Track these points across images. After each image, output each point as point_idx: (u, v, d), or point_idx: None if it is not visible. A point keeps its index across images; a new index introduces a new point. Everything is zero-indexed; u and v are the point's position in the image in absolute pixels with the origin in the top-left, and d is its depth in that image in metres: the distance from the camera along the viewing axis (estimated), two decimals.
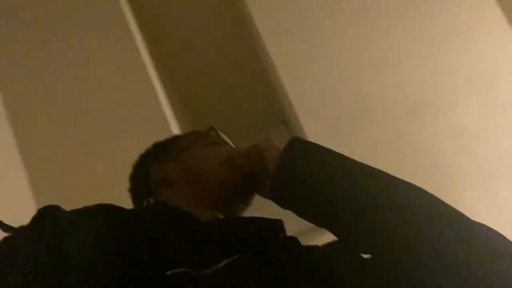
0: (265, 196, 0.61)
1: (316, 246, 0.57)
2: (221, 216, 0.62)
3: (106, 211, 0.52)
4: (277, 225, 0.57)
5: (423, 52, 1.85)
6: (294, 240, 0.58)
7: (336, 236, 0.53)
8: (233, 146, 0.73)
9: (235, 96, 2.86)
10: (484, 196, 1.70)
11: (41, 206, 0.48)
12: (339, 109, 1.81)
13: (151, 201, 0.59)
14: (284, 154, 0.55)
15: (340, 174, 0.52)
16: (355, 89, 1.83)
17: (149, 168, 0.67)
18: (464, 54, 1.83)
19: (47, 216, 0.47)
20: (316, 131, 1.74)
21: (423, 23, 1.88)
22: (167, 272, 0.43)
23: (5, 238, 0.45)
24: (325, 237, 0.55)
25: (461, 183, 1.71)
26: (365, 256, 0.51)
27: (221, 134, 0.72)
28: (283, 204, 0.56)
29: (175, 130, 1.66)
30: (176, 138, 0.74)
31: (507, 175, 1.72)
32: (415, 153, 1.73)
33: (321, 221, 0.53)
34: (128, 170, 0.71)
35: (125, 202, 0.63)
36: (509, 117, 1.76)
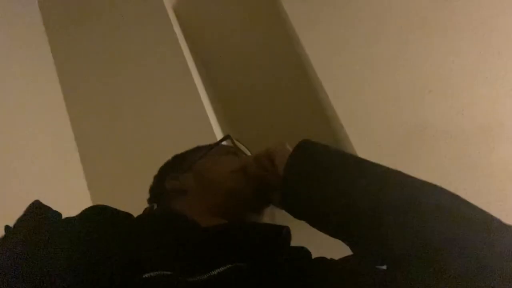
0: (278, 205, 0.58)
1: (328, 259, 0.53)
2: None
3: (95, 212, 0.51)
4: (281, 232, 0.53)
5: (492, 69, 1.70)
6: (301, 250, 0.54)
7: (350, 246, 0.49)
8: (249, 153, 0.71)
9: (285, 120, 2.82)
10: None
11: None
12: (398, 136, 1.69)
13: (154, 206, 0.58)
14: (291, 159, 0.52)
15: (350, 177, 0.48)
16: (415, 112, 1.70)
17: (165, 179, 0.67)
18: None
19: (28, 220, 0.46)
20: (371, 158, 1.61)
21: (491, 39, 1.74)
22: (144, 275, 0.41)
23: None
24: None
25: None
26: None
27: (237, 143, 0.70)
28: (294, 213, 0.53)
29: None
30: (194, 149, 0.73)
31: None
32: (489, 178, 1.56)
33: (333, 230, 0.49)
34: None
35: None
36: None
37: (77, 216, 0.50)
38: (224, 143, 0.73)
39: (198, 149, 0.73)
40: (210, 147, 0.71)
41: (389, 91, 1.76)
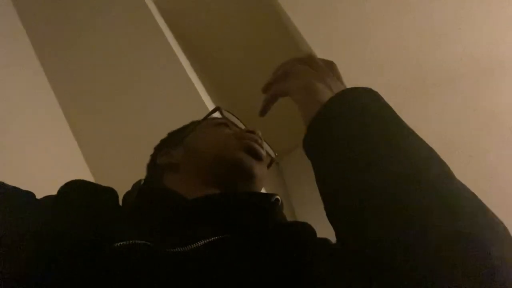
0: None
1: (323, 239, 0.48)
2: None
3: (72, 185, 0.49)
4: (267, 201, 0.50)
5: (488, 8, 1.63)
6: (302, 225, 0.50)
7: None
8: (242, 126, 0.70)
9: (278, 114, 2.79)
10: None
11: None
12: (399, 89, 1.64)
13: (141, 182, 0.55)
14: (342, 96, 0.43)
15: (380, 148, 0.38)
16: (415, 63, 1.65)
17: (157, 156, 0.66)
18: None
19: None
20: None
21: None
22: (115, 244, 0.38)
23: None
24: None
25: None
26: None
27: (228, 114, 0.69)
28: (310, 149, 0.44)
29: None
30: (187, 125, 0.72)
31: None
32: (494, 120, 1.53)
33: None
34: None
35: None
36: None
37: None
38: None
39: (191, 124, 0.72)
40: (201, 120, 0.70)
41: (385, 44, 1.72)
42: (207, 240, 0.42)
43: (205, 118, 0.69)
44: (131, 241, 0.39)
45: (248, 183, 0.59)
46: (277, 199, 0.53)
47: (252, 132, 0.63)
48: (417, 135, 0.39)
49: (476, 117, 1.51)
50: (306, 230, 0.51)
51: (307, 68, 0.49)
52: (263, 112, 0.54)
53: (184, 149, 0.64)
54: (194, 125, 0.69)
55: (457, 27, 1.66)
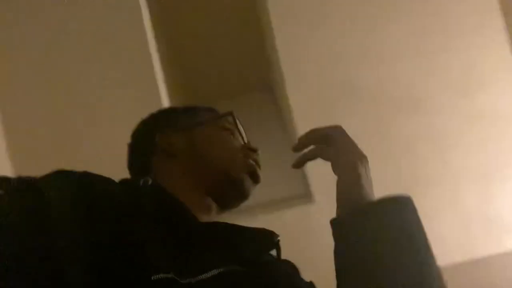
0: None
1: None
2: (214, 205, 0.61)
3: (95, 185, 0.46)
4: (275, 238, 0.54)
5: (420, 49, 1.88)
6: (290, 263, 0.57)
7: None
8: (245, 136, 0.68)
9: (229, 57, 2.84)
10: (447, 196, 1.81)
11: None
12: (328, 89, 1.85)
13: (149, 181, 0.52)
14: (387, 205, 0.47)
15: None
16: (347, 74, 1.86)
17: (156, 133, 0.62)
18: (458, 58, 1.88)
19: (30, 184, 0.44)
20: (300, 103, 1.83)
21: (425, 20, 1.90)
22: (152, 277, 0.40)
23: None
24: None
25: (427, 182, 1.80)
26: None
27: (238, 122, 0.67)
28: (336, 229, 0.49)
29: (165, 102, 1.69)
30: (193, 109, 0.68)
31: (471, 180, 1.82)
32: (390, 147, 1.80)
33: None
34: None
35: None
36: (485, 128, 1.84)
37: (70, 183, 0.45)
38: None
39: (195, 109, 0.67)
40: (212, 115, 0.66)
41: (333, 49, 1.89)
42: (218, 271, 0.44)
43: (217, 117, 0.66)
44: (162, 275, 0.41)
45: (238, 200, 0.63)
46: (279, 240, 0.56)
47: (255, 151, 0.64)
48: (433, 257, 0.45)
49: (386, 142, 1.75)
50: (296, 267, 0.58)
51: (347, 140, 0.52)
52: (297, 166, 0.55)
53: (187, 141, 0.62)
54: (201, 116, 0.65)
55: (395, 60, 1.88)
